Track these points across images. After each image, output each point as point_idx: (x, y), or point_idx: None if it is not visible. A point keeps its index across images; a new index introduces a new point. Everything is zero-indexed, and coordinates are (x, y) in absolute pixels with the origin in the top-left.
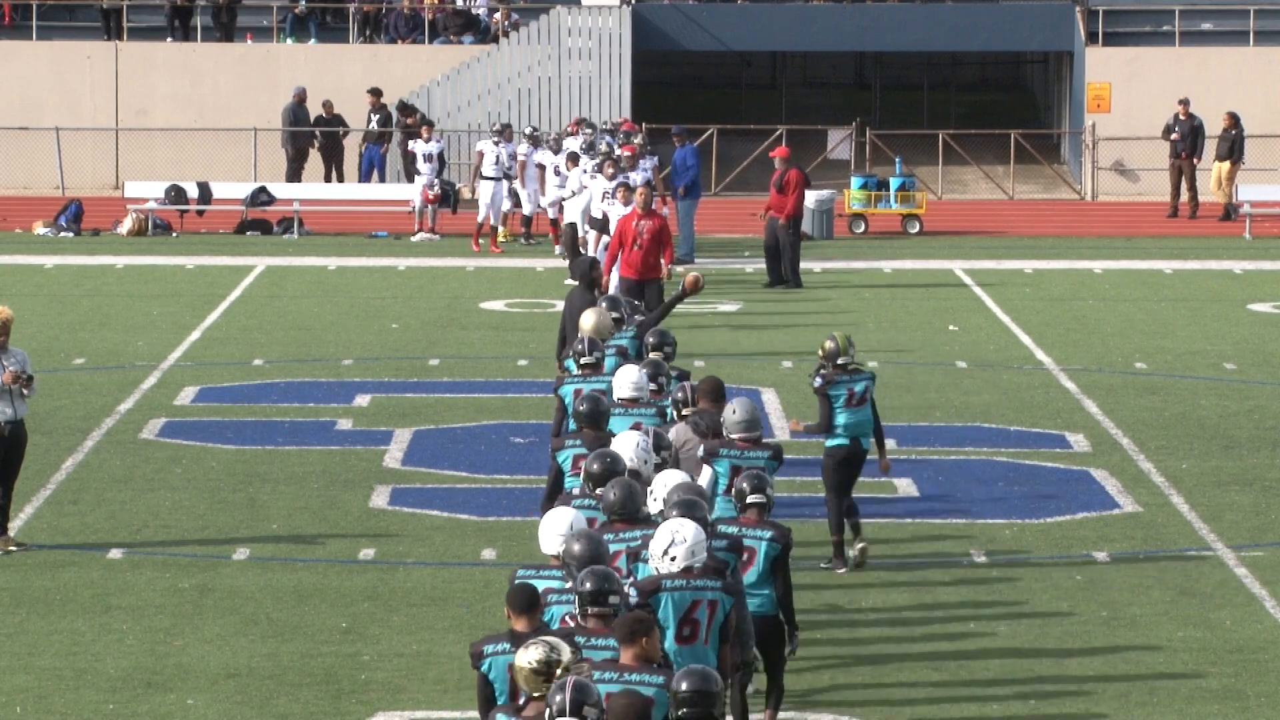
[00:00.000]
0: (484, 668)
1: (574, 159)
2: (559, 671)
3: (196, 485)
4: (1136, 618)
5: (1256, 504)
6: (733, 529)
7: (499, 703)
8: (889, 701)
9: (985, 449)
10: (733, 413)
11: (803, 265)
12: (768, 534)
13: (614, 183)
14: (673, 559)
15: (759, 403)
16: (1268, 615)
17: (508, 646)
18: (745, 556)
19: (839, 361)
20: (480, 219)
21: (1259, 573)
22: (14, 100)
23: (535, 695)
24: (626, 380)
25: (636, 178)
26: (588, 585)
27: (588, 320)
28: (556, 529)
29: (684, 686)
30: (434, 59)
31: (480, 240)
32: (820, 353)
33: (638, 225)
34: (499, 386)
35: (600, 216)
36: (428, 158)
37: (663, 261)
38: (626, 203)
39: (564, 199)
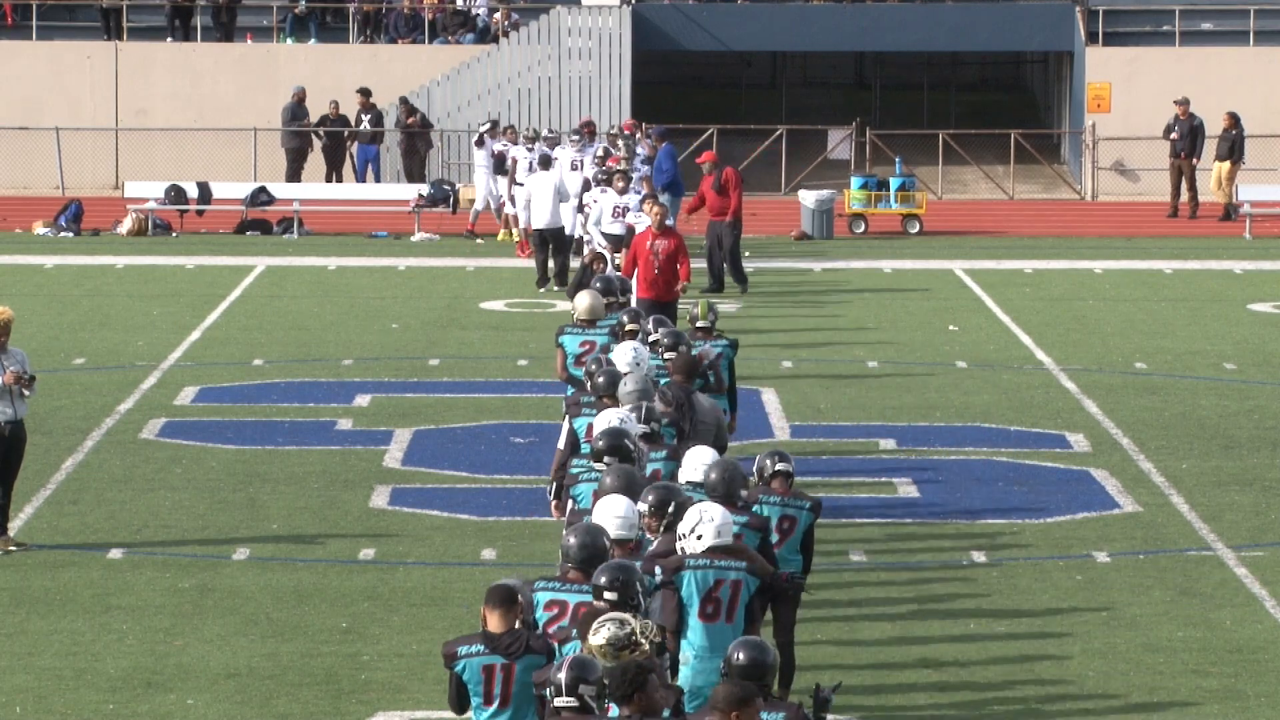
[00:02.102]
0: (458, 668)
1: (545, 163)
2: (637, 638)
3: (196, 485)
4: (1136, 618)
5: (1256, 504)
6: (775, 498)
7: (473, 705)
8: (889, 701)
9: (985, 449)
10: (624, 386)
11: (802, 265)
12: (806, 504)
13: (624, 197)
14: (699, 537)
15: (759, 402)
16: (1268, 615)
17: (481, 648)
18: (787, 525)
19: (699, 325)
20: (523, 225)
21: (1259, 573)
22: (14, 100)
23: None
24: (624, 356)
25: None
26: (603, 579)
27: (582, 301)
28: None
29: (740, 657)
30: (434, 59)
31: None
32: (689, 319)
33: (653, 245)
34: (499, 386)
35: (623, 232)
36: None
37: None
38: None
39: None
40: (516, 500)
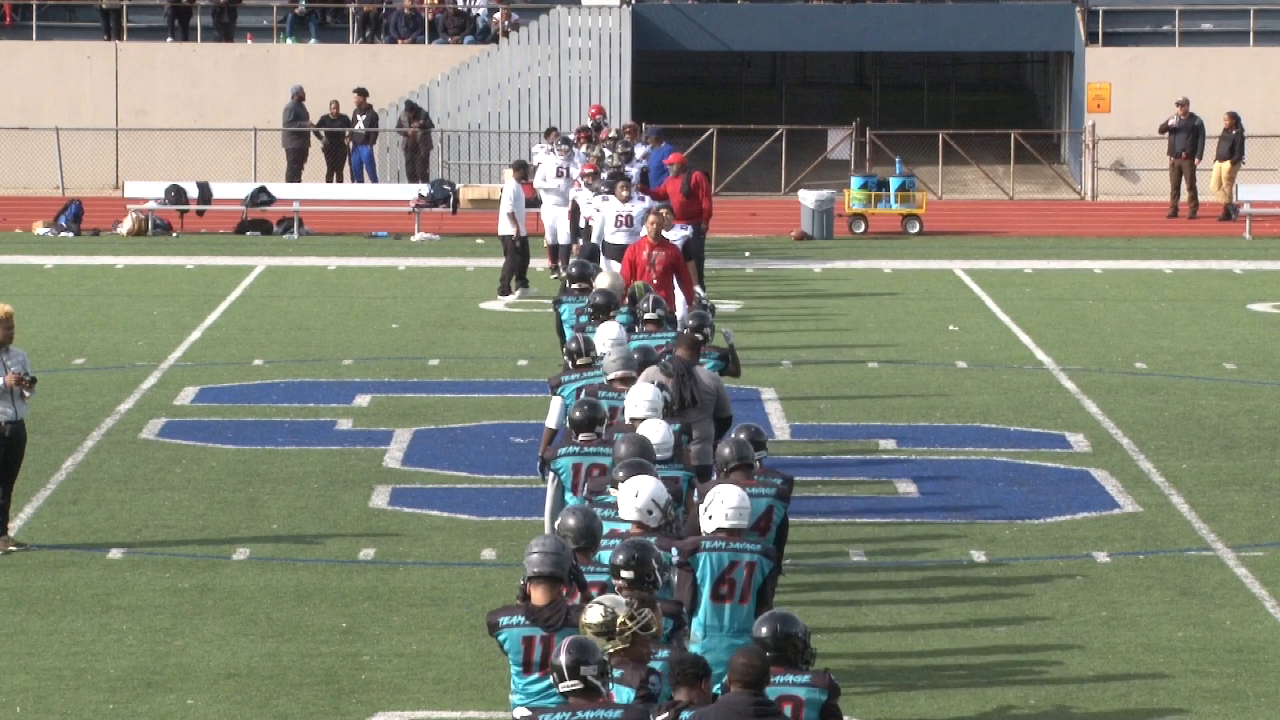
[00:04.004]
0: (500, 638)
1: (520, 169)
2: (619, 626)
3: (196, 485)
4: (1136, 618)
5: (1256, 504)
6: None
7: (513, 672)
8: (889, 701)
9: (985, 449)
10: (608, 355)
11: (802, 265)
12: (778, 481)
13: (627, 205)
14: (710, 517)
15: (759, 402)
16: (1268, 615)
17: (522, 620)
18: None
19: (648, 318)
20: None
21: (1259, 573)
22: (14, 100)
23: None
24: (606, 336)
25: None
26: (620, 557)
27: (604, 280)
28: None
29: (763, 631)
30: (434, 59)
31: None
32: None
33: (649, 255)
34: (499, 386)
35: (627, 241)
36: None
37: (679, 294)
38: (669, 226)
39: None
40: (516, 500)
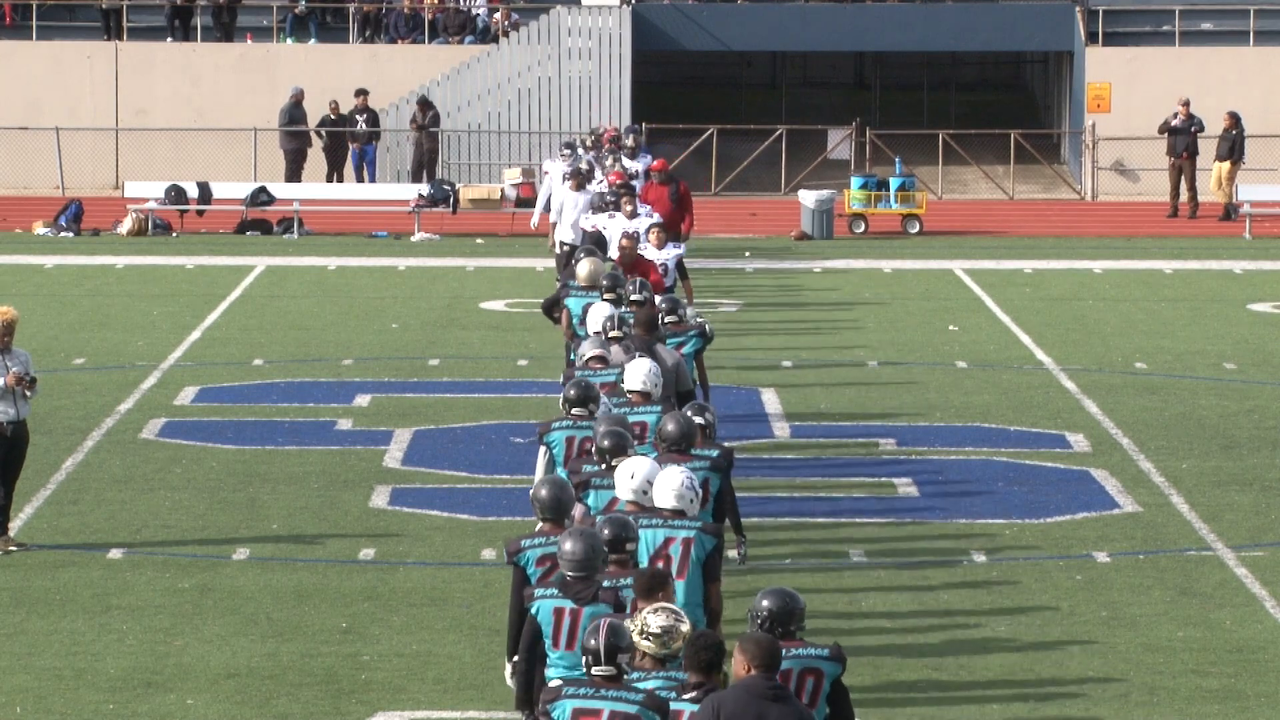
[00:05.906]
0: (532, 609)
1: (579, 178)
2: (678, 637)
3: (196, 485)
4: (1136, 618)
5: (1256, 504)
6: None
7: (546, 645)
8: (889, 701)
9: (985, 449)
10: (581, 348)
11: (802, 265)
12: (715, 453)
13: (634, 221)
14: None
15: (759, 402)
16: (1268, 615)
17: (555, 592)
18: None
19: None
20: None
21: (1259, 573)
22: (14, 100)
23: (654, 657)
24: (598, 315)
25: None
26: (606, 533)
27: (583, 269)
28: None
29: (764, 604)
30: (434, 59)
31: None
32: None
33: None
34: (499, 386)
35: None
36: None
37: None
38: (660, 245)
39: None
40: (516, 500)
